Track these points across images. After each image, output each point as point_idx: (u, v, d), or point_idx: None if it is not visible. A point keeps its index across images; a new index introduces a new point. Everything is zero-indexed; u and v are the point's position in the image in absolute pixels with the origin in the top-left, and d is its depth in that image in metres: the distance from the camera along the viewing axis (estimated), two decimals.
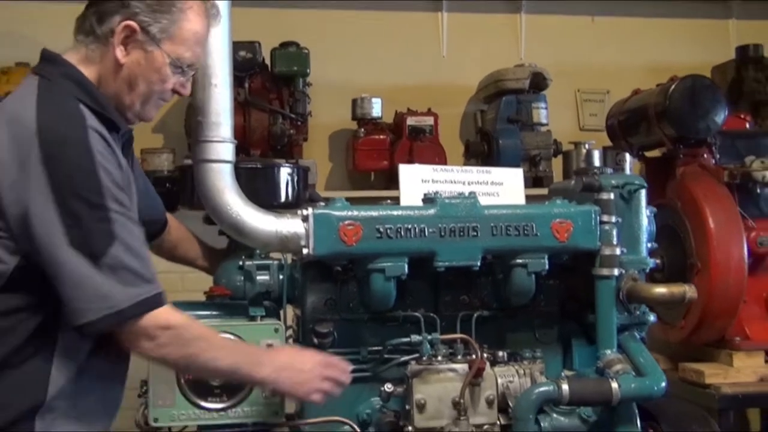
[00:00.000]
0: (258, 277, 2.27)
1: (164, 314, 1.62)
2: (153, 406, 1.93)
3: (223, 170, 1.98)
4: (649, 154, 3.35)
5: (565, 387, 2.00)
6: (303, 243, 2.01)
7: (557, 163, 4.02)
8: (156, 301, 1.60)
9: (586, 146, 3.81)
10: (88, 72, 1.66)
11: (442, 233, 2.05)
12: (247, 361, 1.75)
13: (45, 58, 1.70)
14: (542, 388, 2.02)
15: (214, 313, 2.13)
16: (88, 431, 1.65)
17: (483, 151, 3.84)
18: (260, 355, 1.80)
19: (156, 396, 1.93)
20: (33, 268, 1.55)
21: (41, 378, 1.57)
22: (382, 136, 3.89)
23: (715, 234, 2.83)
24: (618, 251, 2.16)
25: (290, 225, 2.01)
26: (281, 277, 2.28)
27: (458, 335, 2.13)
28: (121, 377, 1.75)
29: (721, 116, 2.97)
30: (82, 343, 1.61)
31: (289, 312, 2.34)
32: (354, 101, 3.91)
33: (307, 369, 1.82)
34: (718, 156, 3.10)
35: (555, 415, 2.17)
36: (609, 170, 2.37)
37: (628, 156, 3.67)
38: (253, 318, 2.07)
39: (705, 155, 3.09)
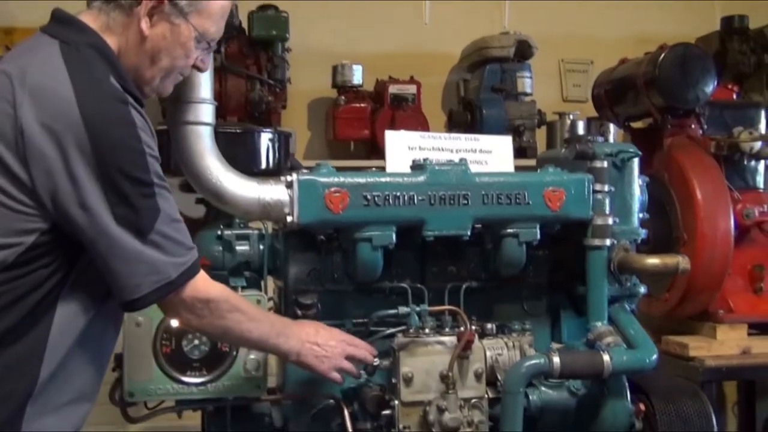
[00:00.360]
0: (237, 248, 2.19)
1: (203, 285, 1.60)
2: (129, 380, 1.84)
3: (202, 133, 1.87)
4: (634, 125, 3.30)
5: (556, 360, 1.95)
6: (287, 210, 1.92)
7: (541, 134, 3.96)
8: (196, 267, 1.58)
9: (571, 117, 3.74)
10: (110, 42, 1.54)
11: (432, 201, 1.97)
12: (274, 333, 1.74)
13: (60, 20, 1.55)
14: (533, 361, 1.97)
15: None
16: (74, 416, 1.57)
17: (466, 120, 3.76)
18: (287, 327, 1.79)
19: (132, 370, 1.85)
20: (46, 244, 1.46)
21: (34, 360, 1.47)
22: (362, 105, 3.79)
23: (702, 205, 2.80)
24: (610, 221, 2.10)
25: (273, 192, 1.91)
26: (262, 247, 2.20)
27: (447, 307, 2.07)
28: (107, 358, 1.66)
29: (710, 86, 2.93)
30: (77, 322, 1.51)
31: (270, 284, 2.26)
32: (334, 68, 3.80)
33: (331, 345, 1.81)
34: (705, 127, 3.05)
35: (543, 389, 2.12)
36: (600, 139, 2.31)
37: (612, 127, 3.61)
38: (233, 289, 1.97)
39: (692, 126, 3.05)
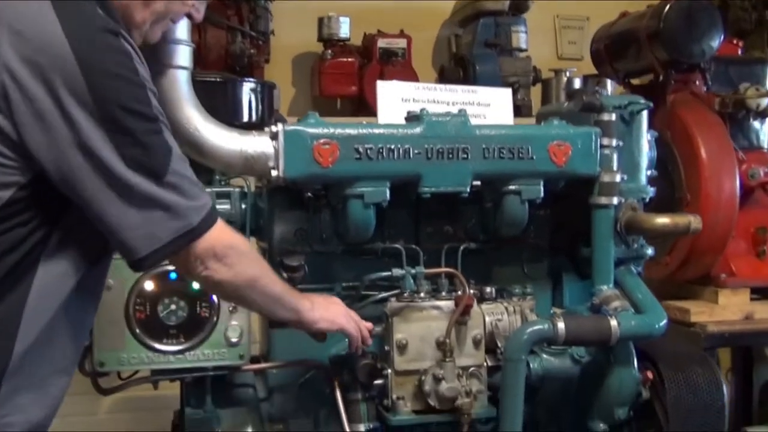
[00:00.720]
0: (218, 206, 2.03)
1: (224, 230, 1.42)
2: (99, 348, 1.69)
3: (179, 78, 1.70)
4: (635, 82, 3.15)
5: (560, 325, 1.82)
6: (271, 164, 1.76)
7: (536, 93, 3.80)
8: (216, 213, 1.40)
9: (567, 73, 3.59)
10: None
11: (429, 155, 1.82)
12: (288, 290, 1.62)
13: None
14: (536, 327, 1.84)
15: None
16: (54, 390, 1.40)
17: (458, 77, 3.59)
18: (299, 293, 1.68)
19: (102, 337, 1.70)
20: (25, 200, 1.26)
21: (10, 329, 1.28)
22: (350, 59, 3.60)
23: (707, 165, 2.66)
24: (618, 178, 1.97)
25: (257, 143, 1.75)
26: (244, 206, 2.04)
27: (443, 269, 1.93)
28: (87, 329, 1.50)
29: (717, 40, 2.77)
30: (58, 288, 1.33)
31: (253, 246, 2.11)
32: (320, 20, 3.60)
33: (336, 303, 1.74)
34: (710, 83, 2.91)
35: (545, 356, 2.00)
36: (604, 92, 2.17)
37: (609, 83, 3.47)
38: None
39: (697, 82, 2.90)
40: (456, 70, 3.66)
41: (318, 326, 1.66)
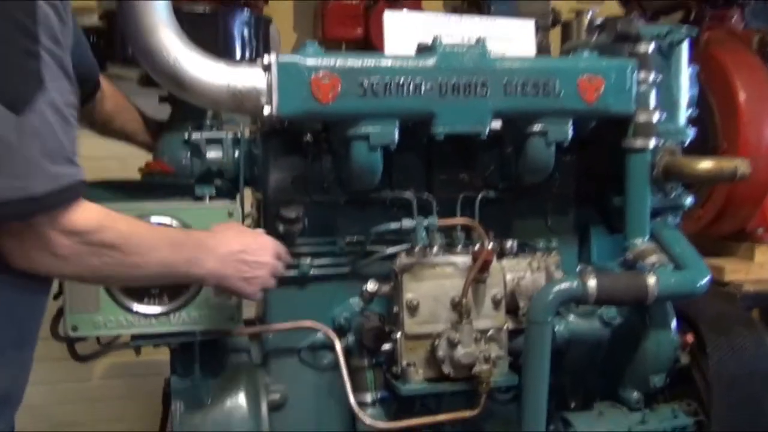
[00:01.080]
0: (208, 153, 1.83)
1: (83, 213, 1.15)
2: (70, 311, 1.50)
3: (154, 2, 1.47)
4: (665, 19, 2.89)
5: (592, 283, 1.62)
6: (263, 100, 1.54)
7: (555, 35, 3.53)
8: (77, 192, 1.14)
9: (589, 14, 3.32)
10: None
11: (443, 90, 1.59)
12: (182, 259, 1.31)
13: None
14: (563, 285, 1.63)
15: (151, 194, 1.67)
16: None
17: None
18: (200, 246, 1.36)
19: (74, 298, 1.50)
20: None
21: None
22: (355, 1, 3.36)
23: (745, 110, 2.43)
24: (656, 118, 1.74)
25: (247, 77, 1.53)
26: (237, 153, 1.83)
27: (460, 219, 1.71)
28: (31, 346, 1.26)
29: None
30: None
31: (248, 197, 1.90)
32: None
33: (263, 261, 1.45)
34: (747, 20, 2.66)
35: (572, 318, 1.81)
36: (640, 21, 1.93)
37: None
38: (200, 199, 1.62)
39: (734, 19, 2.65)
40: (469, 10, 3.40)
41: (206, 284, 1.43)
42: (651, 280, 1.63)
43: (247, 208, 1.89)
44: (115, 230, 1.19)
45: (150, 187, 1.69)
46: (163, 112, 1.94)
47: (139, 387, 2.97)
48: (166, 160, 1.84)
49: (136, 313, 1.53)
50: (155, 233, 1.31)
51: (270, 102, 1.53)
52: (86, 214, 1.16)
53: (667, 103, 1.80)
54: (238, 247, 1.40)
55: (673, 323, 1.74)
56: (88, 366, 3.01)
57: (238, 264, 1.40)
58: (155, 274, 1.28)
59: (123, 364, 2.98)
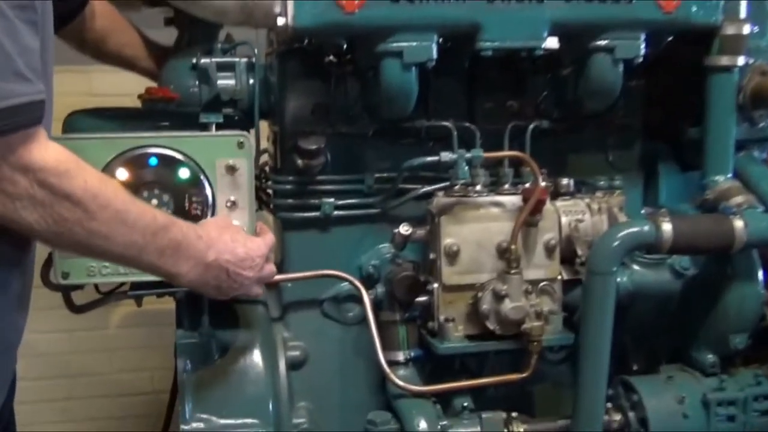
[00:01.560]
0: (219, 81, 1.59)
1: (43, 148, 0.96)
2: (60, 256, 1.29)
3: None
4: None
5: (666, 227, 1.37)
6: (277, 10, 1.30)
7: None
8: (32, 116, 0.95)
9: None
10: None
11: None
12: (158, 247, 1.11)
13: None
14: (632, 229, 1.38)
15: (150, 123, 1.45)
16: None
17: None
18: (187, 241, 1.15)
19: None
20: None
21: None
22: None
23: None
24: (746, 30, 1.46)
25: None
26: (251, 80, 1.59)
27: (509, 152, 1.47)
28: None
29: None
30: None
31: (264, 131, 1.67)
32: None
33: (246, 276, 1.22)
34: None
35: (637, 268, 1.56)
36: None
37: None
38: (205, 127, 1.39)
39: None
40: None
41: (174, 283, 1.18)
42: (738, 224, 1.38)
43: (264, 144, 1.67)
44: (80, 181, 0.99)
45: (149, 116, 1.47)
46: (169, 36, 1.71)
47: (159, 336, 2.81)
48: (171, 89, 1.61)
49: None
50: (133, 207, 1.08)
51: (284, 12, 1.29)
52: (48, 151, 0.97)
53: (759, 14, 1.52)
54: (227, 257, 1.18)
55: (760, 275, 1.48)
56: (105, 314, 2.87)
57: (220, 273, 1.18)
58: (119, 254, 1.08)
59: (142, 312, 2.81)
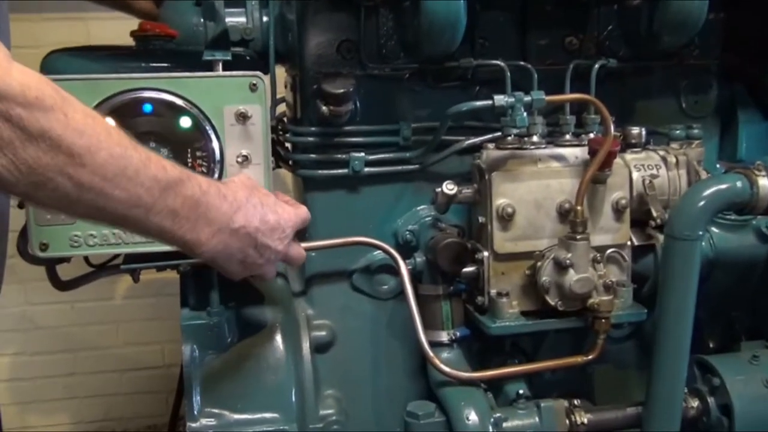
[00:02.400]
0: (228, 19, 1.36)
1: (14, 71, 0.74)
2: (37, 224, 1.08)
3: None
4: None
5: (764, 183, 1.14)
6: None
7: None
8: None
9: None
10: None
11: None
12: (170, 206, 0.88)
13: None
14: (721, 185, 1.16)
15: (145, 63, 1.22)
16: None
17: None
18: (208, 201, 0.92)
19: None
20: None
21: None
22: None
23: None
24: None
25: None
26: (266, 18, 1.36)
27: (576, 95, 1.23)
28: None
29: None
30: None
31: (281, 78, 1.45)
32: None
33: (274, 248, 1.01)
34: None
35: (717, 231, 1.34)
36: None
37: None
38: (208, 66, 1.16)
39: None
40: None
41: (189, 254, 0.95)
42: None
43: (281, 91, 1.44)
44: (58, 114, 0.76)
45: (144, 56, 1.24)
46: None
47: (169, 306, 2.62)
48: (173, 25, 1.39)
49: None
50: (135, 153, 0.84)
51: None
52: (11, 74, 0.73)
53: None
54: (256, 223, 0.98)
55: None
56: (110, 284, 2.68)
57: (247, 244, 0.97)
58: (120, 215, 0.84)
59: (150, 281, 2.64)
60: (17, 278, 2.22)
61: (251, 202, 0.97)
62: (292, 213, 1.04)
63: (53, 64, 1.19)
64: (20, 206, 1.12)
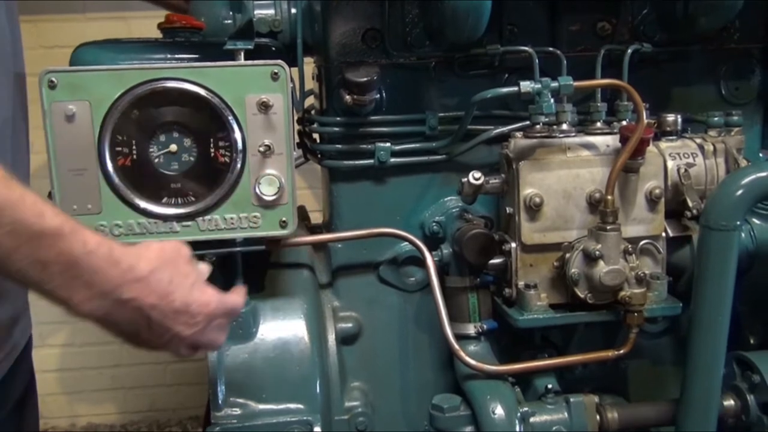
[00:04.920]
0: (257, 11, 1.36)
1: None
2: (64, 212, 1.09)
3: None
4: None
5: None
6: None
7: None
8: None
9: None
10: None
11: None
12: (36, 254, 0.80)
13: None
14: (762, 173, 1.10)
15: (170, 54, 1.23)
16: None
17: None
18: (90, 254, 0.83)
19: (66, 194, 1.09)
20: None
21: None
22: None
23: None
24: None
25: None
26: (294, 10, 1.36)
27: (607, 80, 1.20)
28: None
29: None
30: None
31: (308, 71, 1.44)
32: None
33: (189, 325, 0.89)
34: None
35: (757, 222, 1.29)
36: None
37: None
38: (230, 55, 1.16)
39: None
40: None
41: (87, 319, 0.84)
42: None
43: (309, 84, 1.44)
44: None
45: (171, 46, 1.25)
46: None
47: None
48: (200, 18, 1.40)
49: (152, 214, 1.11)
50: (6, 191, 0.77)
51: None
52: None
53: None
54: (153, 300, 0.85)
55: None
56: None
57: (137, 319, 0.85)
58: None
59: None
60: None
61: (156, 276, 0.86)
62: (212, 300, 0.91)
63: (82, 56, 1.20)
64: (49, 195, 1.14)
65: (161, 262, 0.88)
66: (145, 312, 0.85)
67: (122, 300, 0.83)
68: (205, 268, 0.97)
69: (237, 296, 0.96)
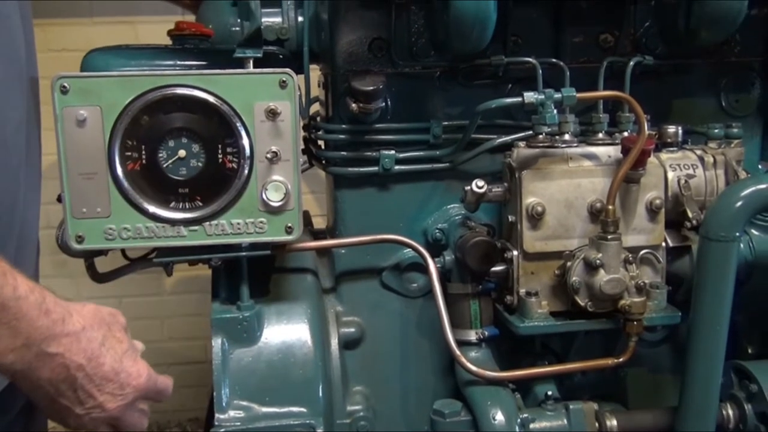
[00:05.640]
0: (264, 18, 1.38)
1: None
2: (72, 216, 1.11)
3: None
4: None
5: None
6: None
7: None
8: None
9: None
10: None
11: None
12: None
13: None
14: (760, 186, 1.12)
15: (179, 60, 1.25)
16: None
17: None
18: (20, 301, 0.78)
19: (77, 199, 1.11)
20: None
21: None
22: None
23: None
24: None
25: None
26: (301, 18, 1.37)
27: (609, 92, 1.21)
28: None
29: None
30: None
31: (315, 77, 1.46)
32: None
33: (115, 395, 0.84)
34: None
35: (756, 233, 1.31)
36: None
37: None
38: (239, 62, 1.18)
39: None
40: None
41: (4, 373, 0.80)
42: None
43: (315, 91, 1.46)
44: None
45: (180, 53, 1.26)
46: None
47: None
48: (208, 25, 1.42)
49: (161, 218, 1.13)
50: None
51: None
52: None
53: None
54: (81, 360, 0.79)
55: None
56: (157, 279, 2.74)
57: (60, 379, 0.79)
58: None
59: (193, 278, 2.69)
60: (68, 272, 2.29)
61: (88, 334, 0.80)
62: (143, 374, 0.86)
63: (92, 61, 1.22)
64: (58, 200, 1.16)
65: (95, 321, 0.83)
66: (71, 372, 0.79)
67: (48, 353, 0.78)
68: (139, 345, 0.92)
69: (167, 380, 0.92)
